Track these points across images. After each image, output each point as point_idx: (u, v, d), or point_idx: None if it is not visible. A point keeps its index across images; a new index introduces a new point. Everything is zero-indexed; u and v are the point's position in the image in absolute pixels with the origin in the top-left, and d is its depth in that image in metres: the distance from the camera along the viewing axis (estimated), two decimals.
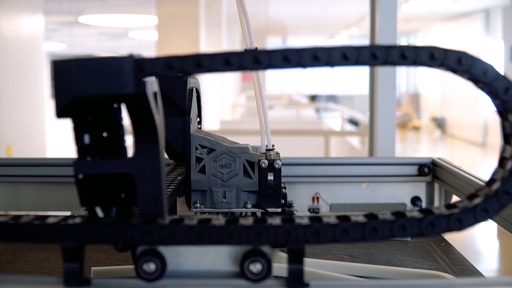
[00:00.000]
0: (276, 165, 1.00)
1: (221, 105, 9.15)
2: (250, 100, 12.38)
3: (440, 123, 13.06)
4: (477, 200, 0.59)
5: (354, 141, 6.14)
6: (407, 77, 16.41)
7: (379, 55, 0.58)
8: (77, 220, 0.61)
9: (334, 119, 9.56)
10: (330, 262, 0.96)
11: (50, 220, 0.61)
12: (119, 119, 0.64)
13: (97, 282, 0.61)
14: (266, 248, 0.61)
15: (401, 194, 1.34)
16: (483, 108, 10.95)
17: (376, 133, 1.77)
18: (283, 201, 1.02)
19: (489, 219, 0.59)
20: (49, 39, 13.63)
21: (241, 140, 1.08)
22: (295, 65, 0.59)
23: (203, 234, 0.59)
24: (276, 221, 0.60)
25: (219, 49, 8.64)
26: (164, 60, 0.59)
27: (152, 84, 0.62)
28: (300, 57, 0.58)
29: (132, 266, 0.97)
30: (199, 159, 1.01)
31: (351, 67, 0.59)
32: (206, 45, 7.42)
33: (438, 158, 1.33)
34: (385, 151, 1.76)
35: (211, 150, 1.01)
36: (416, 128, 13.72)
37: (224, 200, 1.01)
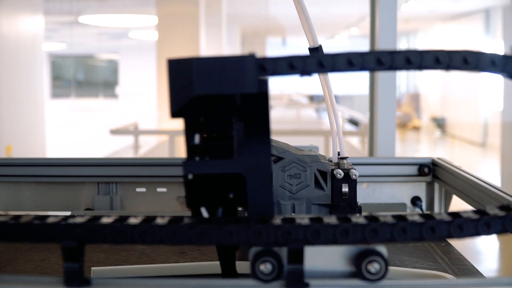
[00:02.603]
0: (353, 176, 0.93)
1: None
2: None
3: (440, 123, 13.07)
4: (484, 215, 0.59)
5: (354, 141, 6.14)
6: (407, 77, 16.41)
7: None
8: (77, 219, 0.61)
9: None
10: None
11: (50, 220, 0.61)
12: (232, 118, 0.64)
13: (97, 282, 0.61)
14: (381, 248, 0.61)
15: (401, 194, 1.34)
16: (483, 108, 10.96)
17: (376, 133, 1.77)
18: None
19: (488, 235, 0.59)
20: (49, 39, 13.64)
21: None
22: (416, 67, 0.59)
23: (203, 234, 0.59)
24: (276, 221, 0.60)
25: (219, 49, 8.63)
26: (286, 60, 0.59)
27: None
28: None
29: (131, 266, 0.98)
30: None
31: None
32: (206, 45, 7.42)
33: (438, 158, 1.33)
34: (385, 151, 1.76)
35: (279, 158, 0.92)
36: (416, 128, 13.72)
37: (293, 214, 0.92)
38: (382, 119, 1.75)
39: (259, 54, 0.60)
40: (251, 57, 0.59)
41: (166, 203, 1.35)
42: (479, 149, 10.51)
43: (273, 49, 18.35)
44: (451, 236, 0.58)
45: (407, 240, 0.59)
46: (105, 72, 18.56)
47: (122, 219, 0.62)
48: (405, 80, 16.48)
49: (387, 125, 1.75)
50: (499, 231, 0.58)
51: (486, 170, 8.50)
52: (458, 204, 1.28)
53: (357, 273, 0.60)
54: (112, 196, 1.33)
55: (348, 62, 0.59)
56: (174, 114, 0.61)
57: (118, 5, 8.78)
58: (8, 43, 3.87)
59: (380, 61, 0.59)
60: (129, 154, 5.46)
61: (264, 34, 15.92)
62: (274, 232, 0.59)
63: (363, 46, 16.17)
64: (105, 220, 0.61)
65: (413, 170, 1.33)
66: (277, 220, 0.60)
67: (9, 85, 3.86)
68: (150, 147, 5.71)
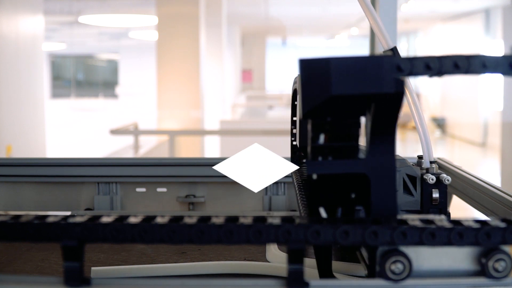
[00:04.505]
0: (446, 181, 0.90)
1: (221, 105, 9.15)
2: (250, 100, 12.38)
3: (440, 123, 13.06)
4: (485, 225, 0.59)
5: None
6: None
7: None
8: (77, 219, 0.61)
9: None
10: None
11: (50, 219, 0.61)
12: (359, 118, 0.63)
13: (97, 281, 0.61)
14: (506, 247, 0.61)
15: None
16: (483, 108, 10.95)
17: None
18: None
19: (488, 245, 0.60)
20: (49, 39, 13.64)
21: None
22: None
23: (203, 233, 0.59)
24: (276, 220, 0.60)
25: (219, 48, 8.63)
26: (422, 60, 0.59)
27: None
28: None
29: (131, 266, 0.98)
30: None
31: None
32: (206, 45, 7.42)
33: (438, 158, 1.33)
34: None
35: None
36: None
37: None
38: None
39: (259, 54, 0.59)
40: (389, 57, 0.59)
41: (166, 203, 1.35)
42: (479, 149, 10.51)
43: (273, 49, 18.35)
44: (451, 244, 0.58)
45: (406, 243, 0.59)
46: (105, 72, 18.55)
47: (122, 218, 0.62)
48: None
49: None
50: (499, 243, 0.59)
51: (486, 170, 8.50)
52: (458, 204, 1.28)
53: (483, 271, 0.60)
54: (112, 196, 1.33)
55: (483, 64, 0.59)
56: (307, 115, 0.60)
57: (118, 5, 8.78)
58: (8, 43, 3.87)
59: None
60: (129, 154, 5.46)
61: (264, 34, 15.92)
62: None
63: (363, 46, 16.16)
64: (105, 219, 0.61)
65: None
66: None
67: (9, 85, 3.87)
68: (150, 147, 5.71)
